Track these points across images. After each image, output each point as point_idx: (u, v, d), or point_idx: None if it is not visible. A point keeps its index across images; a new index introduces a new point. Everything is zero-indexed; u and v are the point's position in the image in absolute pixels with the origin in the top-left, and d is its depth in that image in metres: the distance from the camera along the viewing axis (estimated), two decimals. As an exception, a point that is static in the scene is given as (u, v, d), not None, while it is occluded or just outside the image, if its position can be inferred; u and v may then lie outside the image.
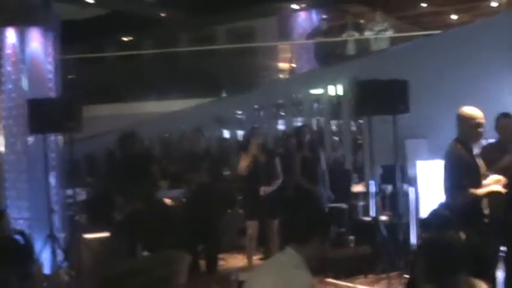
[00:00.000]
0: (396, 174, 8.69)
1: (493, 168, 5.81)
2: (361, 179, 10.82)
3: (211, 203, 8.79)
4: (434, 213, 5.03)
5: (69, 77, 16.17)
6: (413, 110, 9.95)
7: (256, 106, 11.75)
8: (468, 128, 5.66)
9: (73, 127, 8.21)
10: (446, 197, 5.57)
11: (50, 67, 9.01)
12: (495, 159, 6.00)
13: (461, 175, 5.49)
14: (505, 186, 5.57)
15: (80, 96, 10.87)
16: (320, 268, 8.83)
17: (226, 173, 11.12)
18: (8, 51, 8.59)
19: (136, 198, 8.37)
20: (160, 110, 13.50)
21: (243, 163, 8.89)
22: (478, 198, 5.52)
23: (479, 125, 5.65)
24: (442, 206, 5.33)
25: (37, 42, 8.86)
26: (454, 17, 16.11)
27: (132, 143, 8.63)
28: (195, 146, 9.08)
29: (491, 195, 5.53)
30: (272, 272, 3.82)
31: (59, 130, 8.54)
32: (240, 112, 11.77)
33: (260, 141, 8.92)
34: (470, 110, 5.72)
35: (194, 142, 9.18)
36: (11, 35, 8.84)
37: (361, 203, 10.48)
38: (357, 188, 10.81)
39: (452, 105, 10.74)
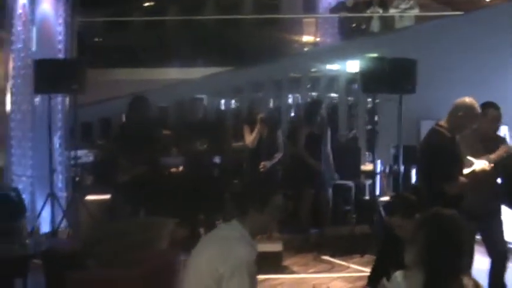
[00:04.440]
0: (399, 155, 8.62)
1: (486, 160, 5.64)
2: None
3: (209, 173, 8.81)
4: (399, 197, 4.93)
5: (96, 40, 16.36)
6: (431, 91, 9.83)
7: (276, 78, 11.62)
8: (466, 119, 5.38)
9: (76, 89, 8.29)
10: (431, 185, 5.39)
11: (60, 28, 9.07)
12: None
13: (451, 165, 5.28)
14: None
15: (95, 60, 10.89)
16: (316, 244, 8.88)
17: (240, 144, 11.11)
18: (20, 11, 8.63)
19: (140, 163, 8.44)
20: (181, 76, 13.43)
21: (249, 136, 8.91)
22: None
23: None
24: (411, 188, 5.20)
25: (47, 3, 8.91)
26: (487, -1, 15.70)
27: (142, 107, 8.60)
28: (193, 115, 9.06)
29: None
30: (215, 242, 3.83)
31: (62, 91, 8.64)
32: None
33: (263, 115, 8.90)
34: (473, 102, 5.42)
35: (191, 111, 9.16)
36: (22, -5, 8.87)
37: (368, 182, 10.39)
38: (368, 167, 10.70)
39: (469, 88, 10.60)
